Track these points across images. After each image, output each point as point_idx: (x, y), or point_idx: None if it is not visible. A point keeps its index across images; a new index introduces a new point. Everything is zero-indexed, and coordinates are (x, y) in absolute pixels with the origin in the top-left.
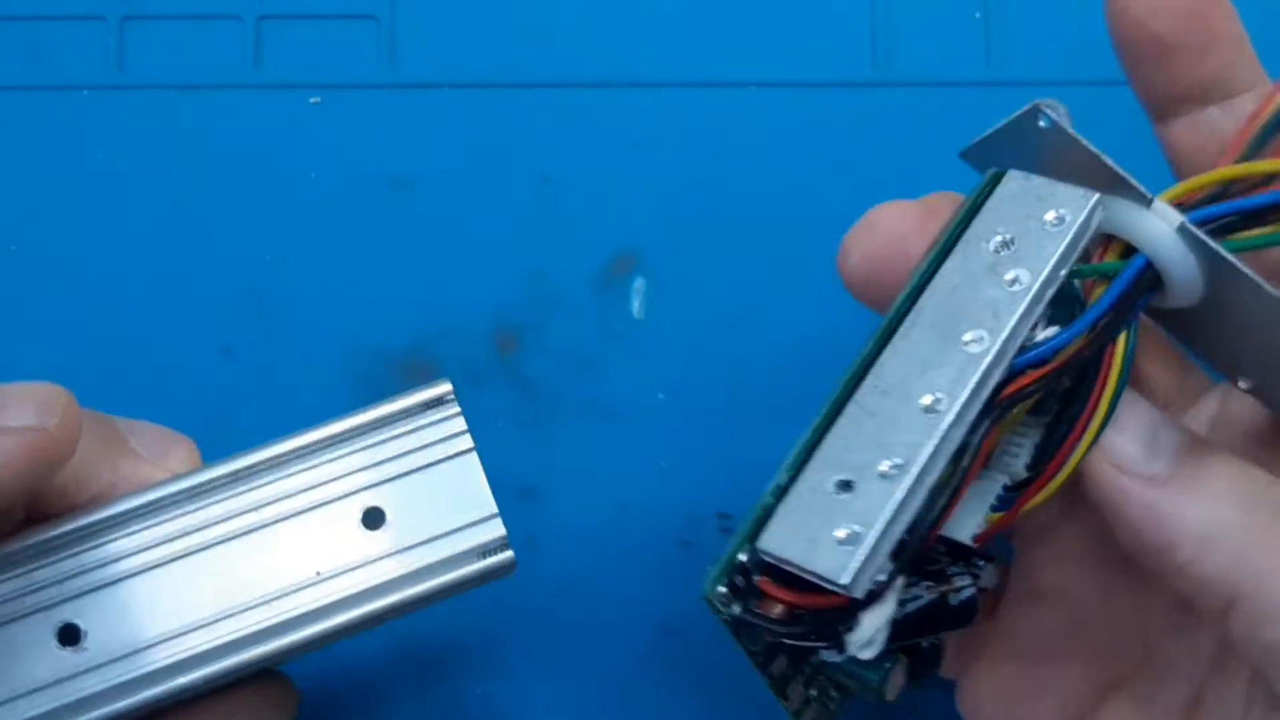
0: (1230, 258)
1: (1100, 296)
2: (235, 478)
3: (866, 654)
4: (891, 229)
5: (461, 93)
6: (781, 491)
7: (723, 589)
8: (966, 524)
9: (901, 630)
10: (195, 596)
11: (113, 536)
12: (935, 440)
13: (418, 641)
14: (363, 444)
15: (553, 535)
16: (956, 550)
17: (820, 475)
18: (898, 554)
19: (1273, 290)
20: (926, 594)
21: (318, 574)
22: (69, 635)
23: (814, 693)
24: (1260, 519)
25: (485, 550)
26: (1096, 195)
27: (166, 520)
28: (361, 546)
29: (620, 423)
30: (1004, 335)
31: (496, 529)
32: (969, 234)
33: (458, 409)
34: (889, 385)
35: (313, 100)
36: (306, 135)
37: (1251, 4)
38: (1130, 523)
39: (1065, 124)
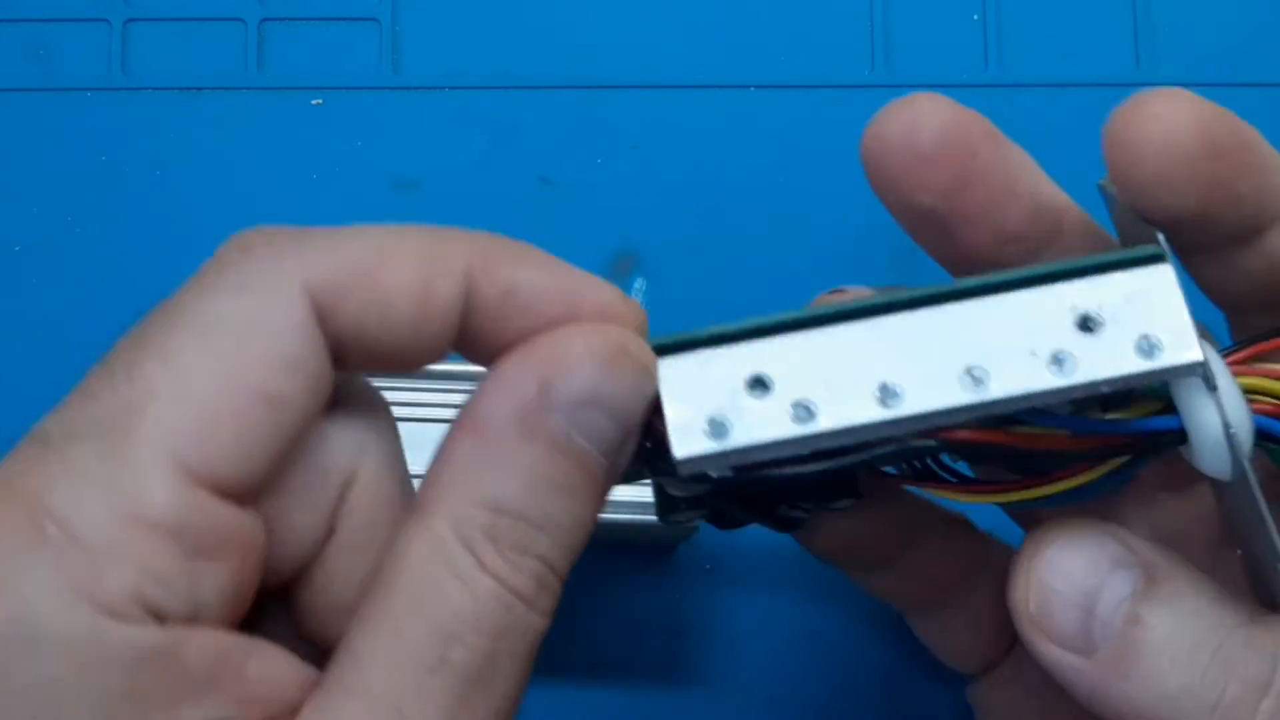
0: (1265, 512)
1: (1113, 423)
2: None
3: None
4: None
5: (462, 94)
6: (716, 340)
7: None
8: None
9: (724, 494)
10: None
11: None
12: (863, 421)
13: None
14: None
15: None
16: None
17: (755, 359)
18: (748, 469)
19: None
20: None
21: None
22: None
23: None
24: (1211, 689)
25: None
26: (1203, 359)
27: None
28: None
29: None
30: (993, 396)
31: None
32: (1072, 286)
33: None
34: (885, 339)
35: (315, 102)
36: (308, 137)
37: (1252, 4)
38: (1079, 697)
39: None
